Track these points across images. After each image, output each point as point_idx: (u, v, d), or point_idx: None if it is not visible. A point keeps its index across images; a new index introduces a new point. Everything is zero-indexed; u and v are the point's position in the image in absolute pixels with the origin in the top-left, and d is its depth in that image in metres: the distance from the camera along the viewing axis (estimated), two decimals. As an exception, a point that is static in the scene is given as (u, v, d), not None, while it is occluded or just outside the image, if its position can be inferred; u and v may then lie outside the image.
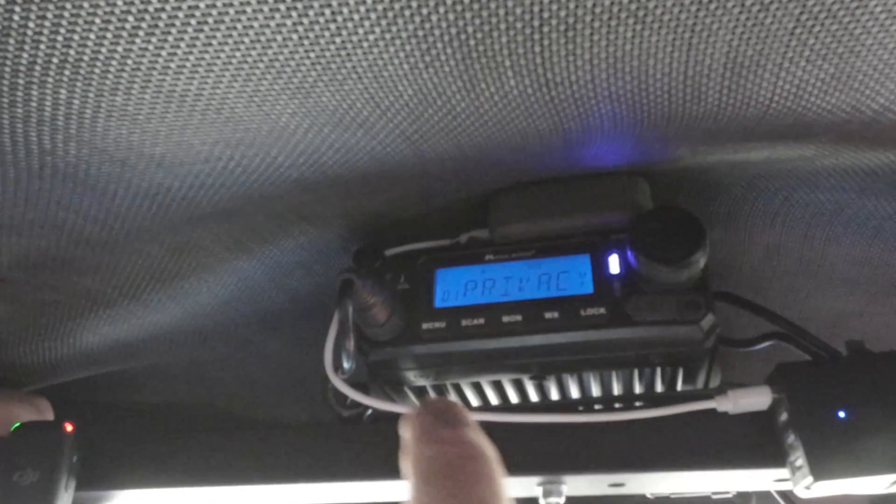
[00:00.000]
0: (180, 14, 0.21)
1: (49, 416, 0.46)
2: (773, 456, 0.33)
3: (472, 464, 0.27)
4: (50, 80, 0.23)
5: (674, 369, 0.40)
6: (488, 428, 0.37)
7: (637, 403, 0.42)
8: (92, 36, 0.21)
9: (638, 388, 0.43)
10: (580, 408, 0.42)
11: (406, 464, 0.29)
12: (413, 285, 0.39)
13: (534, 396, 0.43)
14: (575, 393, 0.42)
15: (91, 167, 0.29)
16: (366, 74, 0.24)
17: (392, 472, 0.38)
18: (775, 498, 0.52)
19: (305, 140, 0.29)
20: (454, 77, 0.25)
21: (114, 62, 0.22)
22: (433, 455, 0.28)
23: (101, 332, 0.44)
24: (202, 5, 0.20)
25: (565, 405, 0.42)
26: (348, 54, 0.23)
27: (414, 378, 0.40)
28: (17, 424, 0.41)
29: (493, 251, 0.39)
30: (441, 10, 0.21)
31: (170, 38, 0.22)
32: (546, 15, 0.22)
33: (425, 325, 0.38)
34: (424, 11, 0.21)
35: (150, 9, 0.20)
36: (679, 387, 0.41)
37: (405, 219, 0.42)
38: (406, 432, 0.30)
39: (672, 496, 0.51)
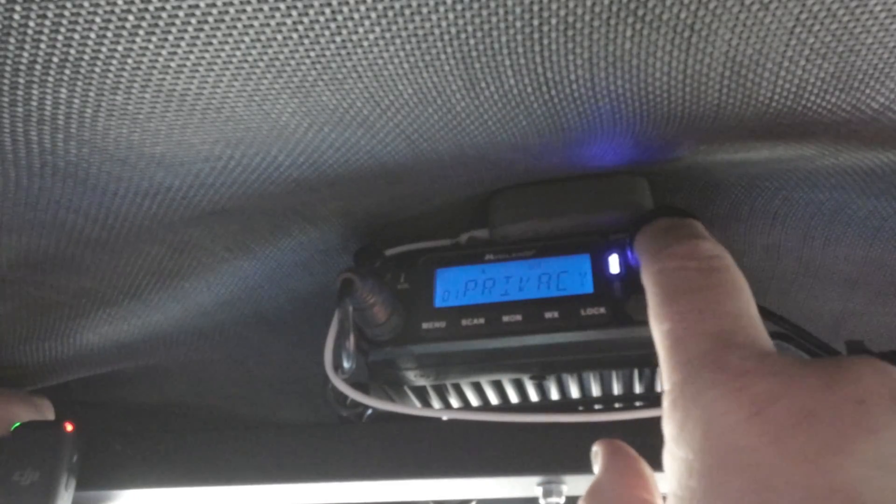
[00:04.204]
0: (180, 13, 0.21)
1: (49, 415, 0.46)
2: (774, 455, 0.33)
3: (717, 275, 0.26)
4: (50, 79, 0.23)
5: (674, 369, 0.39)
6: (488, 428, 0.37)
7: (637, 403, 0.42)
8: (92, 35, 0.21)
9: (638, 388, 0.43)
10: (580, 408, 0.42)
11: (647, 281, 0.28)
12: (413, 285, 0.39)
13: (534, 396, 0.43)
14: (575, 393, 0.42)
15: (91, 166, 0.29)
16: (366, 73, 0.24)
17: (392, 471, 0.38)
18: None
19: (305, 139, 0.29)
20: (454, 76, 0.25)
21: (114, 61, 0.22)
22: (674, 269, 0.27)
23: (102, 332, 0.44)
24: (202, 4, 0.20)
25: (565, 405, 0.42)
26: (348, 53, 0.23)
27: (414, 378, 0.40)
28: (17, 424, 0.41)
29: (493, 251, 0.39)
30: (441, 9, 0.21)
31: (170, 38, 0.22)
32: (546, 14, 0.22)
33: (425, 325, 0.38)
34: (424, 11, 0.21)
35: (151, 8, 0.20)
36: (679, 387, 0.41)
37: (405, 219, 0.42)
38: (640, 250, 0.29)
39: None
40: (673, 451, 0.23)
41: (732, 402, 0.21)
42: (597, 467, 0.29)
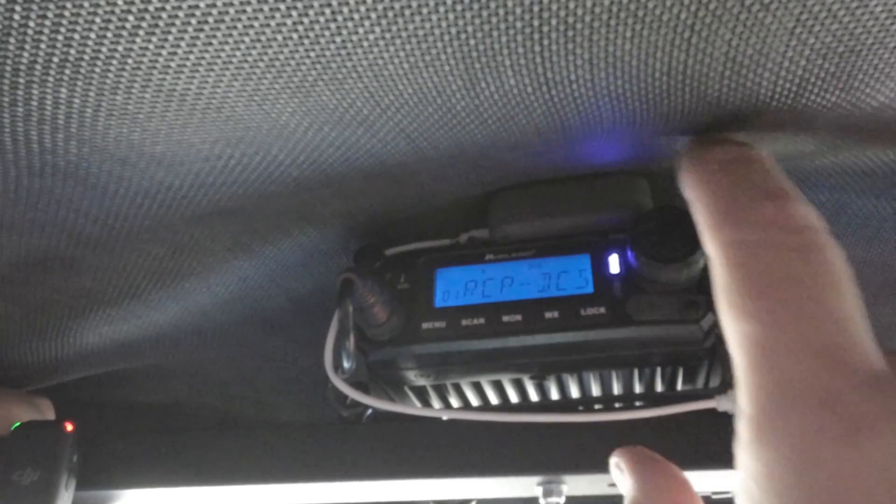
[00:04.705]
0: (180, 13, 0.21)
1: (50, 415, 0.46)
2: (773, 456, 0.33)
3: (818, 259, 0.19)
4: (50, 78, 0.23)
5: (674, 369, 0.40)
6: (488, 428, 0.37)
7: (637, 403, 0.42)
8: (92, 35, 0.21)
9: (638, 388, 0.43)
10: (580, 408, 0.42)
11: (715, 252, 0.20)
12: (413, 285, 0.39)
13: (534, 396, 0.43)
14: (575, 393, 0.42)
15: (91, 166, 0.29)
16: (366, 73, 0.24)
17: (392, 471, 0.38)
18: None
19: (306, 138, 0.29)
20: (454, 76, 0.25)
21: (114, 61, 0.22)
22: (760, 243, 0.19)
23: (102, 332, 0.44)
24: (202, 5, 0.20)
25: (565, 405, 0.42)
26: (348, 53, 0.23)
27: (414, 378, 0.40)
28: (17, 424, 0.41)
29: (493, 251, 0.39)
30: (441, 9, 0.21)
31: (170, 38, 0.22)
32: (546, 14, 0.22)
33: (425, 325, 0.38)
34: (424, 11, 0.21)
35: (151, 8, 0.20)
36: (679, 386, 0.41)
37: (405, 219, 0.42)
38: (699, 201, 0.21)
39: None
40: (751, 491, 0.18)
41: (849, 459, 0.16)
42: (623, 480, 0.25)
